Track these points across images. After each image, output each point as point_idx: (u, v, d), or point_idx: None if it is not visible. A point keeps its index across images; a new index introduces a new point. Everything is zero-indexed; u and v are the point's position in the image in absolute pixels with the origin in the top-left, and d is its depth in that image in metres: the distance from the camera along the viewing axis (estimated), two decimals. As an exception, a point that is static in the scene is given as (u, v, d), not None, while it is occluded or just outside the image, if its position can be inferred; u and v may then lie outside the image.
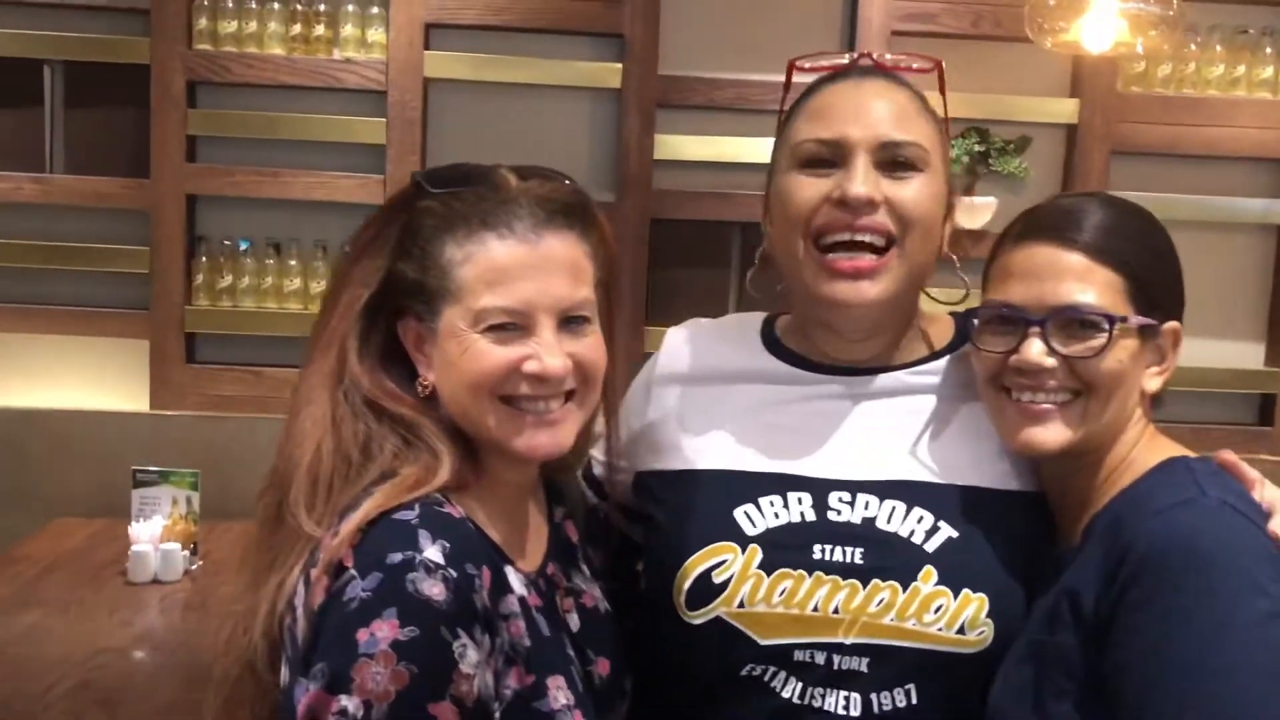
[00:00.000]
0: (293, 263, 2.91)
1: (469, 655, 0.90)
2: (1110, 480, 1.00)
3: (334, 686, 0.87)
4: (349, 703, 0.86)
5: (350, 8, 2.85)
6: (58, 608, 2.19)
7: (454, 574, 0.90)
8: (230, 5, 2.84)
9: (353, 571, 0.90)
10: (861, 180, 1.06)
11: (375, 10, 2.85)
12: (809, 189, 1.09)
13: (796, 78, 1.19)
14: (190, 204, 2.90)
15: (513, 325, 0.97)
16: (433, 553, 0.90)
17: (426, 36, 2.86)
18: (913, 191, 1.08)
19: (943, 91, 1.18)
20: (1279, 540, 0.92)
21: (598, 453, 1.21)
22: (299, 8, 2.85)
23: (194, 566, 2.41)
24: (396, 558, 0.90)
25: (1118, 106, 2.95)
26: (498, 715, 0.93)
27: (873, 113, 1.08)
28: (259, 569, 0.99)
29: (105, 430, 2.87)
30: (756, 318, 1.24)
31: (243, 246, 2.91)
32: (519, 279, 0.97)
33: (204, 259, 2.91)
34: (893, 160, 1.08)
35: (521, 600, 0.98)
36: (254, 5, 2.84)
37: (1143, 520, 0.93)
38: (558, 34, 2.90)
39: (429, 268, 0.99)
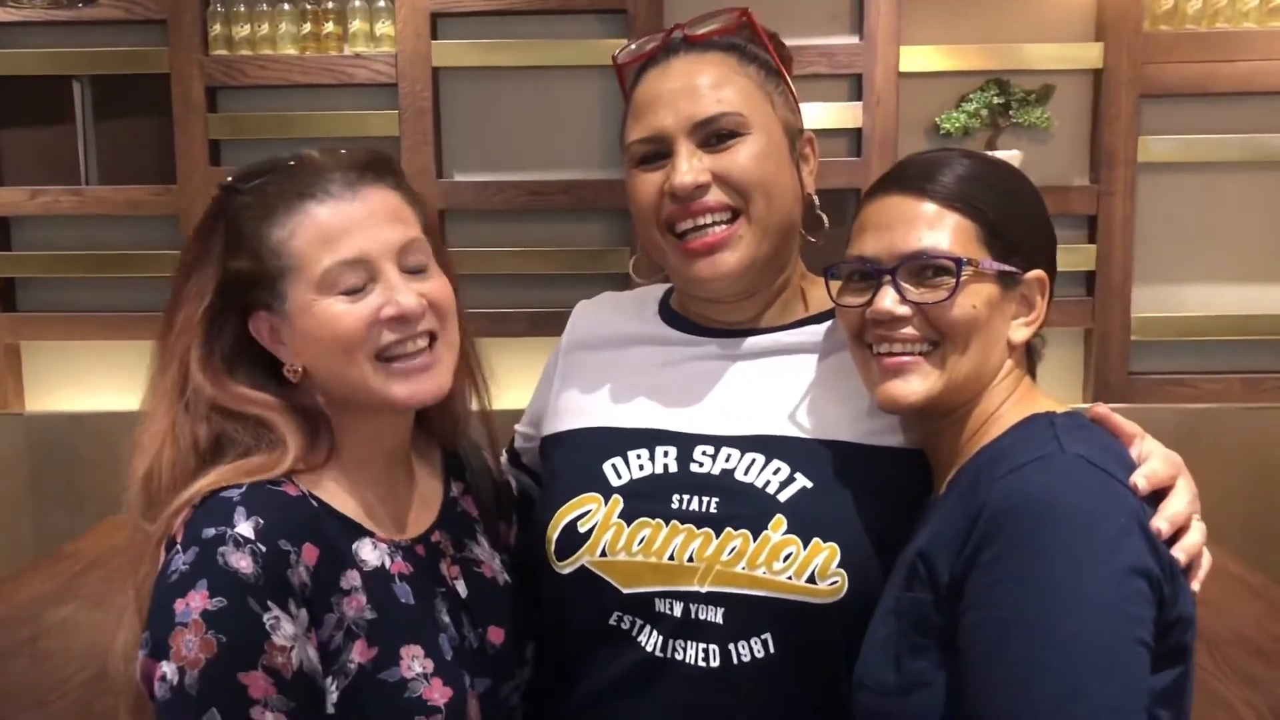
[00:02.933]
0: (318, 258, 2.98)
1: (282, 628, 0.93)
2: (977, 435, 0.98)
3: (156, 653, 0.92)
4: (168, 668, 0.91)
5: (357, 2, 2.89)
6: (91, 602, 2.29)
7: (263, 548, 0.94)
8: (242, 9, 2.89)
9: (178, 546, 0.95)
10: (684, 170, 1.07)
11: (382, 3, 2.88)
12: (647, 185, 1.11)
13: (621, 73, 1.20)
14: (217, 207, 2.98)
15: (358, 285, 1.00)
16: (244, 528, 0.94)
17: (433, 26, 2.88)
18: (741, 158, 1.08)
19: (760, 34, 1.16)
20: (1140, 492, 0.89)
21: (521, 425, 1.26)
22: (308, 6, 2.90)
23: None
24: (210, 532, 0.94)
25: (1145, 47, 2.83)
26: (334, 688, 0.96)
27: (681, 95, 1.09)
28: (135, 578, 1.03)
29: (150, 430, 2.98)
30: (660, 288, 1.25)
31: (270, 245, 2.99)
32: (349, 232, 1.00)
33: (233, 259, 2.99)
34: (712, 134, 1.08)
35: (373, 572, 1.01)
36: (265, 7, 2.90)
37: (997, 478, 0.90)
38: (562, 14, 2.90)
39: (262, 255, 1.02)
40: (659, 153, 1.10)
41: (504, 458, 1.30)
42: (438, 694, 0.99)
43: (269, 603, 0.93)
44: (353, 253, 1.00)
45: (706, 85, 1.09)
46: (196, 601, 0.91)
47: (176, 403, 1.02)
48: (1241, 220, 2.92)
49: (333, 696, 0.96)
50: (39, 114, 2.99)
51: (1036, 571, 0.83)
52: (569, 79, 2.93)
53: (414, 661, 0.99)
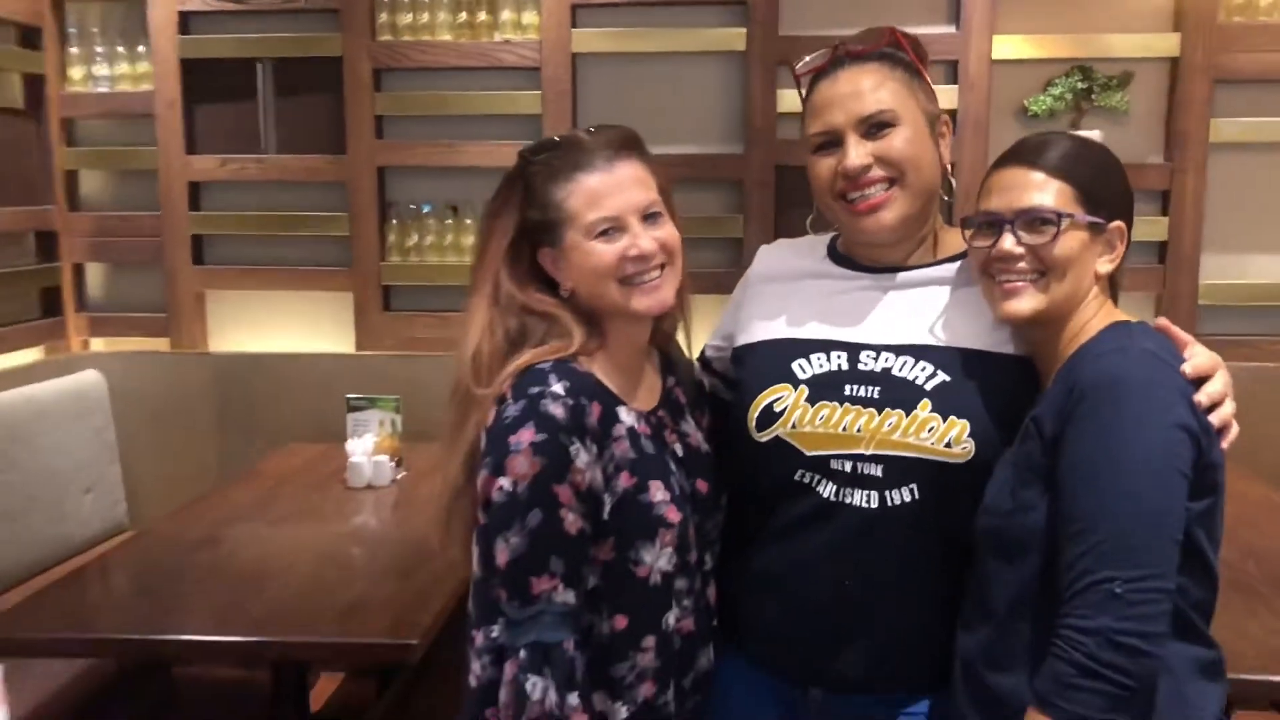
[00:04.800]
0: (468, 221, 3.35)
1: (581, 456, 1.32)
2: (1071, 341, 1.32)
3: (495, 471, 1.31)
4: (504, 481, 1.30)
5: (506, -6, 3.26)
6: (292, 508, 2.71)
7: (570, 401, 1.32)
8: (407, 0, 3.29)
9: (509, 400, 1.34)
10: (853, 156, 1.42)
11: (528, -5, 3.25)
12: (824, 167, 1.46)
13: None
14: (380, 175, 3.35)
15: (613, 229, 1.38)
16: (557, 388, 1.33)
17: (573, 16, 3.23)
18: (895, 144, 1.43)
19: (904, 45, 1.49)
20: (1187, 376, 1.24)
21: (712, 340, 1.64)
22: (463, -2, 3.28)
23: (400, 475, 2.89)
24: (534, 390, 1.33)
25: (1220, 37, 3.10)
26: (609, 503, 1.35)
27: (848, 99, 1.43)
28: (453, 429, 1.43)
29: (319, 369, 3.37)
30: (826, 236, 1.61)
31: (425, 209, 3.36)
32: (608, 195, 1.38)
33: (394, 221, 3.37)
34: (872, 126, 1.43)
35: (630, 429, 1.40)
36: (426, -1, 3.29)
37: (1087, 364, 1.26)
38: (688, 5, 3.23)
39: (547, 208, 1.40)
40: (832, 142, 1.45)
41: (695, 366, 1.68)
42: (672, 514, 1.39)
43: (573, 438, 1.32)
44: (609, 211, 1.38)
45: (867, 89, 1.43)
46: (526, 435, 1.30)
47: (492, 306, 1.41)
48: (1305, 198, 3.19)
49: (607, 508, 1.35)
50: (227, 92, 3.40)
51: (1113, 424, 1.18)
52: (693, 64, 3.27)
53: (657, 491, 1.38)
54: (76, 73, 3.42)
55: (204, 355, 3.47)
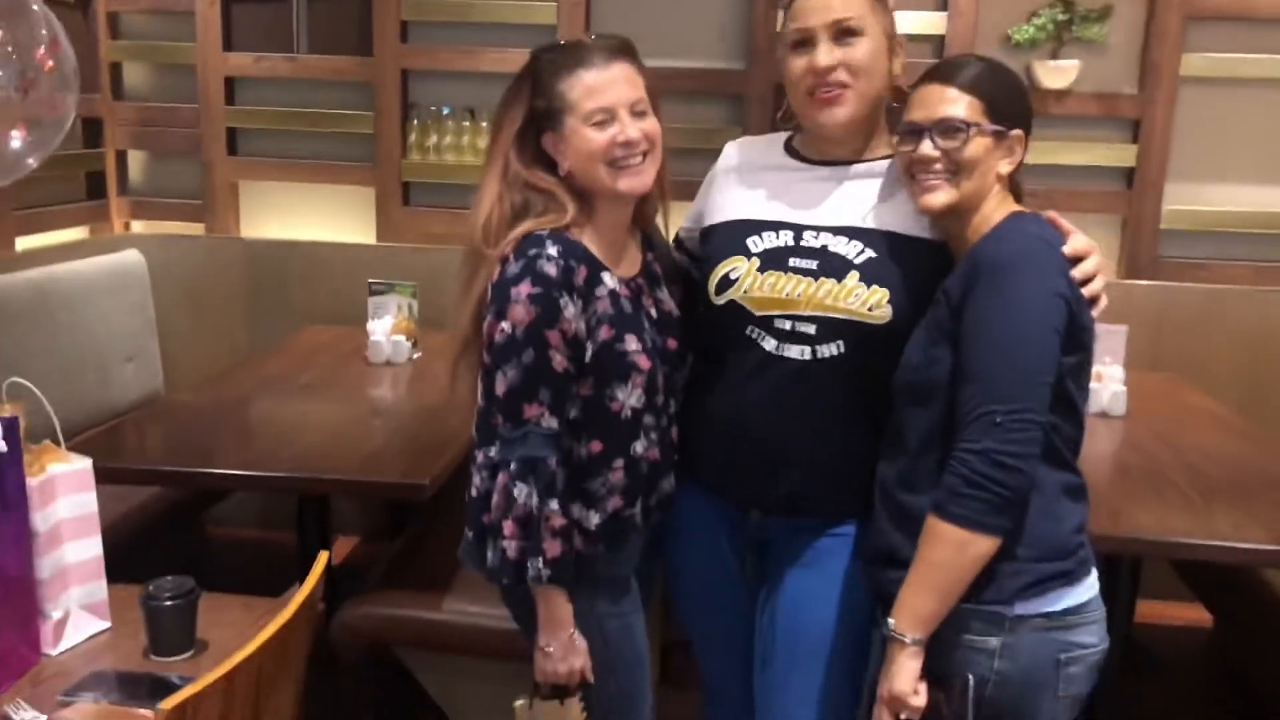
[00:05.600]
0: (484, 124, 3.58)
1: (569, 308, 1.60)
2: (977, 229, 1.57)
3: (498, 316, 1.59)
4: (505, 325, 1.59)
5: (528, -90, 3.46)
6: (318, 378, 3.00)
7: (562, 263, 1.60)
8: (432, -89, 3.49)
9: (511, 260, 1.61)
10: (822, 55, 1.66)
11: (548, -89, 3.45)
12: (798, 63, 1.70)
13: None
14: (404, 77, 3.58)
15: (605, 118, 1.63)
16: (552, 251, 1.60)
17: (589, -69, 3.45)
18: (858, 51, 1.67)
19: None
20: (1068, 256, 1.51)
21: (685, 223, 1.88)
22: (487, -89, 3.48)
23: (415, 355, 3.18)
24: (532, 251, 1.60)
25: (1196, -26, 3.30)
26: (591, 349, 1.63)
27: (825, 7, 1.67)
28: (464, 285, 1.70)
29: (342, 257, 3.63)
30: (782, 135, 1.86)
31: (445, 111, 3.60)
32: (603, 89, 1.63)
33: (415, 122, 3.61)
34: (841, 32, 1.66)
35: (612, 290, 1.67)
36: (452, -90, 3.49)
37: (988, 245, 1.52)
38: (697, -73, 3.44)
39: (553, 98, 1.66)
40: (806, 41, 1.68)
41: (671, 246, 1.95)
42: (643, 362, 1.67)
43: (563, 293, 1.60)
44: (604, 102, 1.64)
45: (840, 1, 1.67)
46: (524, 289, 1.58)
47: (501, 181, 1.68)
48: (1266, 132, 3.39)
49: (589, 353, 1.63)
50: (263, -7, 3.64)
51: (1003, 291, 1.45)
52: (700, -18, 3.48)
53: (631, 343, 1.66)
54: (122, -32, 3.64)
55: (236, 240, 3.74)
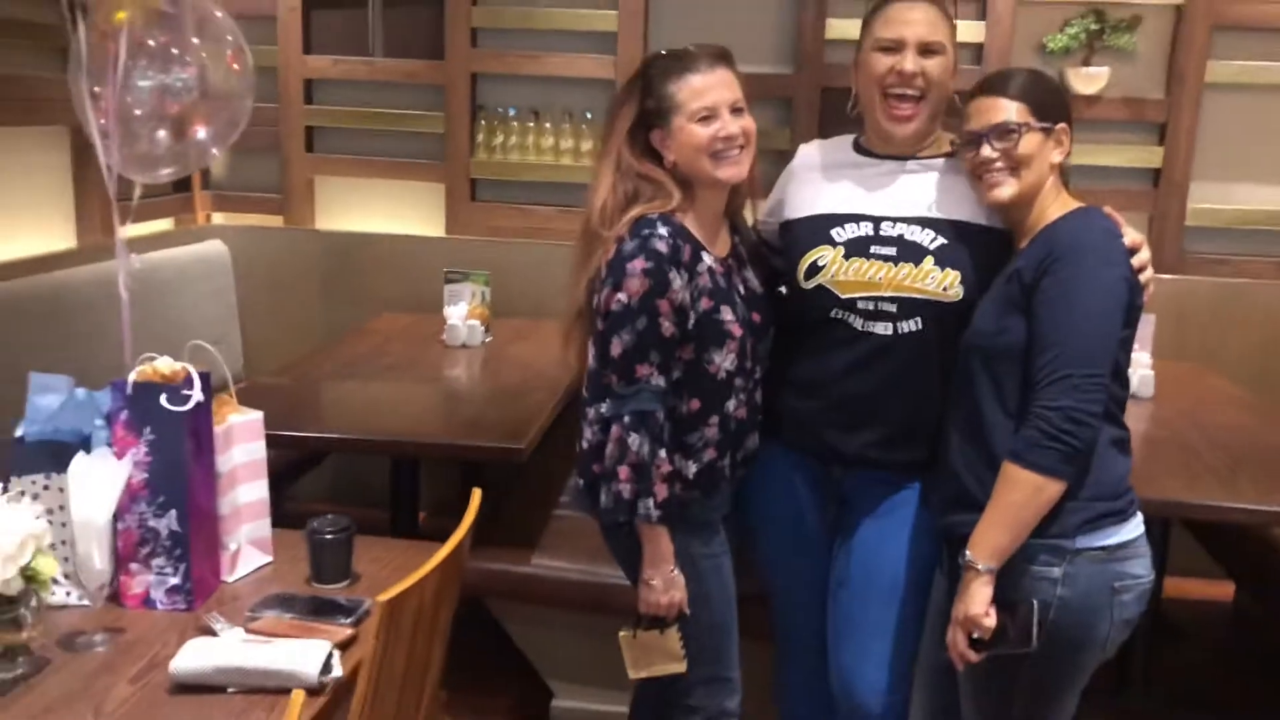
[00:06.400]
0: (548, 125, 3.81)
1: (676, 281, 1.83)
2: (1039, 216, 1.80)
3: (615, 288, 1.83)
4: (621, 295, 1.82)
5: (592, -76, 3.69)
6: (400, 358, 3.23)
7: (671, 241, 1.83)
8: (502, -75, 3.72)
9: (626, 239, 1.85)
10: (910, 61, 1.90)
11: (611, -75, 3.68)
12: (882, 63, 1.93)
13: None
14: (473, 80, 3.82)
15: (709, 115, 1.86)
16: (663, 231, 1.84)
17: (651, -56, 3.67)
18: (934, 66, 1.91)
19: (953, 6, 1.97)
20: (1127, 246, 1.73)
21: (762, 216, 2.12)
22: (553, -75, 3.71)
23: (488, 339, 3.41)
24: (645, 232, 1.84)
25: (1221, -13, 3.52)
26: (693, 317, 1.86)
27: (916, 23, 1.92)
28: (579, 262, 1.94)
29: (413, 248, 3.86)
30: (848, 136, 2.10)
31: (511, 113, 3.83)
32: (708, 90, 1.88)
33: (483, 122, 3.85)
34: (926, 49, 1.90)
35: (709, 267, 1.90)
36: (520, -76, 3.72)
37: (1062, 233, 1.75)
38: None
39: (662, 99, 1.90)
40: (894, 49, 1.92)
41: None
42: (736, 330, 1.91)
43: (672, 268, 1.83)
44: (707, 101, 1.88)
45: (928, 22, 1.92)
46: (639, 264, 1.82)
47: (614, 171, 1.92)
48: (1292, 135, 3.61)
49: (693, 320, 1.87)
50: (340, 0, 3.87)
51: (1078, 272, 1.68)
52: (754, -8, 3.71)
53: (727, 313, 1.90)
54: (209, -22, 3.88)
55: (313, 232, 3.98)
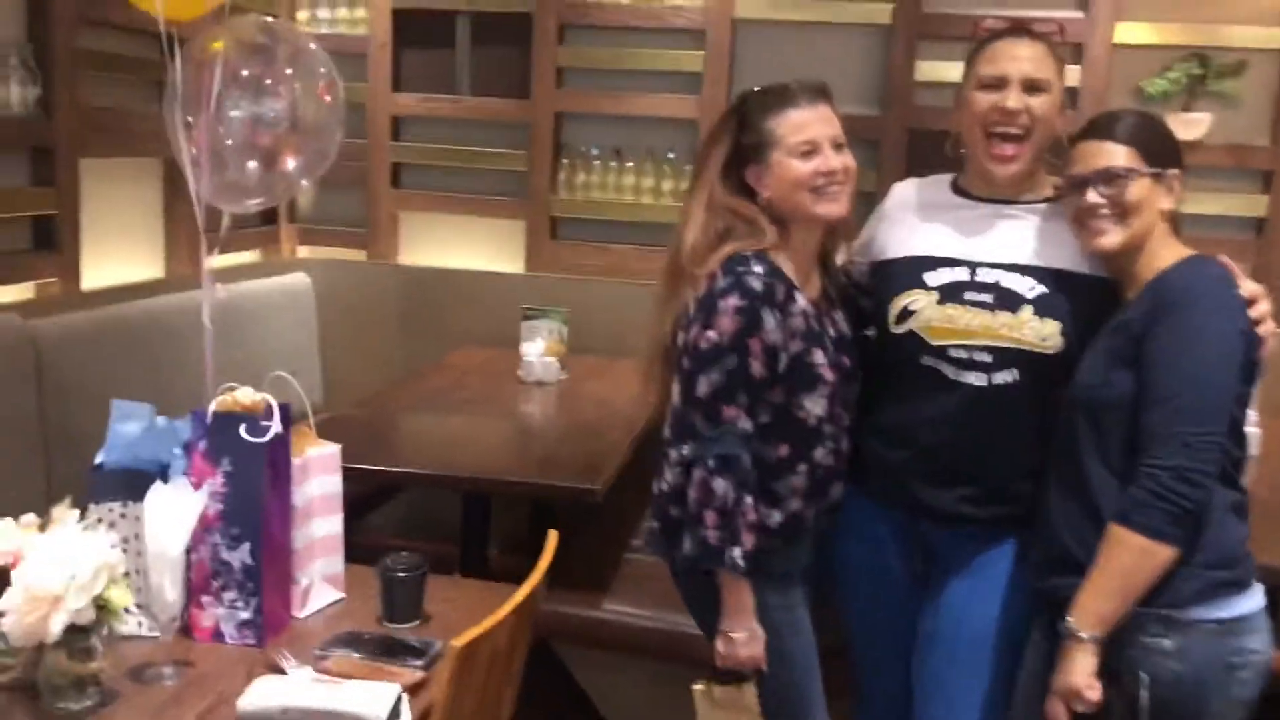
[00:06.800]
0: (630, 164, 3.80)
1: (769, 321, 1.78)
2: (1148, 265, 1.72)
3: (705, 325, 1.78)
4: (712, 333, 1.77)
5: (680, -35, 3.69)
6: (476, 393, 3.22)
7: (767, 280, 1.78)
8: (591, -34, 3.74)
9: (719, 275, 1.80)
10: (1014, 99, 1.83)
11: (699, -34, 3.67)
12: (985, 101, 1.87)
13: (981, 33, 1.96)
14: (558, 119, 3.82)
15: (811, 150, 1.82)
16: (758, 269, 1.79)
17: (738, -15, 3.66)
18: (1039, 104, 1.84)
19: (1064, 40, 1.91)
20: (1244, 298, 1.64)
21: (852, 255, 2.07)
22: (641, -34, 3.71)
23: (564, 376, 3.38)
24: (740, 269, 1.79)
25: (1331, 33, 3.39)
26: (785, 360, 1.80)
27: (1021, 61, 1.85)
28: (664, 299, 1.89)
29: (493, 285, 3.85)
30: (946, 176, 2.03)
31: (594, 152, 3.82)
32: (810, 125, 1.84)
33: (566, 161, 3.85)
34: (1031, 86, 1.84)
35: (803, 309, 1.84)
36: (609, -35, 3.73)
37: (1174, 281, 1.66)
38: (841, -19, 3.63)
39: (761, 134, 1.85)
40: (996, 85, 1.86)
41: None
42: (829, 374, 1.84)
43: (766, 307, 1.78)
44: (809, 136, 1.84)
45: (1034, 60, 1.86)
46: (732, 301, 1.77)
47: (705, 208, 1.88)
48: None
49: (784, 362, 1.81)
50: (430, 39, 3.91)
51: (1193, 324, 1.60)
52: (841, 34, 3.64)
53: (819, 356, 1.84)
54: (303, 15, 3.96)
55: (395, 266, 4.00)
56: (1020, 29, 1.90)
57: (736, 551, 1.78)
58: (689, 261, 1.86)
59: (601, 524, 3.06)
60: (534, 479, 2.48)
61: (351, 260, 4.03)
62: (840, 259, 2.07)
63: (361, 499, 3.22)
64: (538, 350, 3.38)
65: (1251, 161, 3.48)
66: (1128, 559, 1.58)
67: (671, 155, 3.78)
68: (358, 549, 3.93)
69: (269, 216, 4.01)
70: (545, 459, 2.62)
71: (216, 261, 3.69)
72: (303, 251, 4.11)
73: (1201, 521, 1.59)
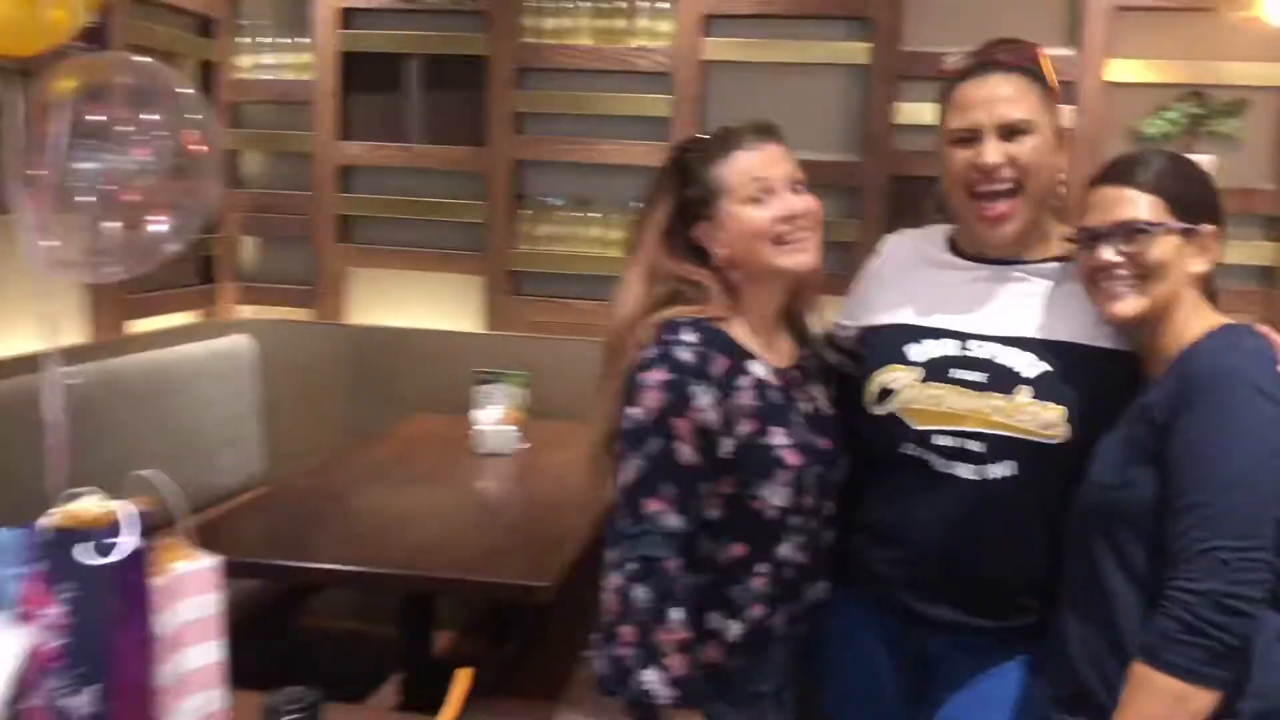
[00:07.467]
0: (595, 215, 3.55)
1: (701, 398, 1.52)
2: (1175, 337, 1.45)
3: (628, 402, 1.53)
4: (634, 411, 1.52)
5: (643, 3, 3.45)
6: (423, 468, 2.94)
7: (700, 350, 1.54)
8: (550, 4, 3.49)
9: (652, 345, 1.55)
10: (991, 153, 1.57)
11: (664, 5, 3.44)
12: (960, 159, 1.62)
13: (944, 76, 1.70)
14: (516, 167, 3.57)
15: (765, 194, 1.57)
16: (689, 338, 1.55)
17: (706, 25, 3.42)
18: (1027, 149, 1.58)
19: (1046, 69, 1.64)
20: None
21: (839, 319, 1.82)
22: (603, 5, 3.48)
23: (524, 445, 3.10)
24: (670, 338, 1.55)
25: (1336, 70, 3.17)
26: (730, 444, 1.54)
27: (995, 102, 1.59)
28: (605, 376, 1.63)
29: (449, 345, 3.58)
30: (944, 227, 1.77)
31: (557, 202, 3.58)
32: (761, 166, 1.59)
33: (526, 212, 3.60)
34: (1010, 130, 1.58)
35: (759, 381, 1.58)
36: (569, 4, 3.49)
37: (1203, 359, 1.39)
38: (815, 19, 3.38)
39: (706, 185, 1.61)
40: (971, 138, 1.60)
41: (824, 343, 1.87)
42: (791, 458, 1.57)
43: (697, 381, 1.52)
44: (762, 175, 1.59)
45: (1011, 97, 1.60)
46: (657, 375, 1.53)
47: (645, 279, 1.63)
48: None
49: (729, 447, 1.54)
50: (380, 84, 3.67)
51: (1227, 412, 1.33)
52: (816, 75, 3.41)
53: (778, 436, 1.57)
54: (245, 61, 3.71)
55: (344, 326, 3.73)
56: (988, 63, 1.64)
57: (652, 675, 1.49)
58: (623, 330, 1.60)
59: (564, 615, 2.77)
60: (477, 576, 2.20)
61: (297, 320, 3.77)
62: (822, 318, 1.82)
63: (313, 583, 2.94)
64: (492, 418, 3.11)
65: (1255, 205, 3.25)
66: (1158, 706, 1.31)
67: (639, 204, 3.52)
68: (299, 633, 3.66)
69: (205, 274, 3.75)
70: (492, 550, 2.33)
71: (146, 325, 3.46)
72: (244, 311, 3.84)
73: (1246, 656, 1.31)
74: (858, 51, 3.37)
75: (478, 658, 3.09)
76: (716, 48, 3.44)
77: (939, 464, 1.59)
